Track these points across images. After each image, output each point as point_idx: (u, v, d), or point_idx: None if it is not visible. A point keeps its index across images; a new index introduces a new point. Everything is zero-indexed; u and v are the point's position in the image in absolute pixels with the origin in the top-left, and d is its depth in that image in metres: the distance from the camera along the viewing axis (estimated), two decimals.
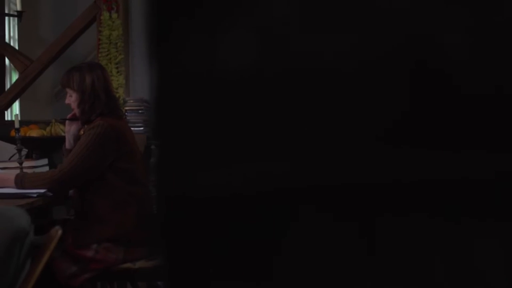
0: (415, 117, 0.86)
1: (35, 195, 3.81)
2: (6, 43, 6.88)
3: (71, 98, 3.99)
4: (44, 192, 3.85)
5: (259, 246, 0.80)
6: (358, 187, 0.84)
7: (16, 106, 7.86)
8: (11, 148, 4.97)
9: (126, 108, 5.58)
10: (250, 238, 0.81)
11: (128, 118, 5.17)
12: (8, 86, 6.82)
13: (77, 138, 4.05)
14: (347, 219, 0.84)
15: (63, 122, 4.64)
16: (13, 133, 4.67)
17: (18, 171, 4.33)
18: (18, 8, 5.92)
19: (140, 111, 5.72)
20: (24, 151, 4.73)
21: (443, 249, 0.87)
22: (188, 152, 0.81)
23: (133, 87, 6.17)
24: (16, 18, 7.05)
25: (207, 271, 0.82)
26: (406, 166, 0.85)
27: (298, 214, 0.81)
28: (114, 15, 6.01)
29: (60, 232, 2.47)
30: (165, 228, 0.82)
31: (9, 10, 7.32)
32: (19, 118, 4.60)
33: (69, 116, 4.10)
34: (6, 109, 6.70)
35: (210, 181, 0.80)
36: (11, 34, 8.18)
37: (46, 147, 4.88)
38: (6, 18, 7.19)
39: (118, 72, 5.89)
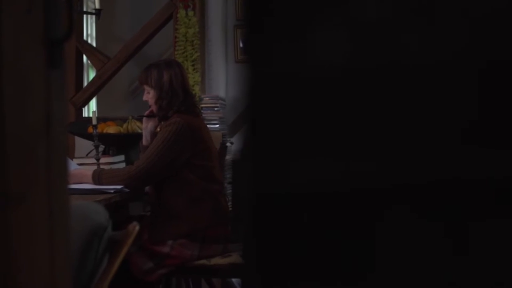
0: (498, 116, 0.84)
1: (112, 191, 3.85)
2: (84, 40, 6.97)
3: (149, 95, 4.02)
4: (121, 188, 3.89)
5: (349, 245, 0.79)
6: (447, 186, 0.83)
7: (93, 103, 7.97)
8: (88, 145, 5.04)
9: (202, 105, 5.61)
10: (340, 236, 0.80)
11: (203, 115, 5.19)
12: (85, 83, 6.91)
13: (154, 134, 4.08)
14: (436, 218, 0.82)
15: (139, 119, 4.68)
16: (90, 129, 4.73)
17: (95, 167, 4.39)
18: (97, 6, 6.00)
19: (215, 109, 5.75)
20: (101, 148, 4.79)
21: None
22: (281, 150, 0.80)
23: (209, 84, 6.20)
24: (93, 16, 7.15)
25: (297, 269, 0.81)
26: (492, 165, 0.83)
27: (387, 213, 0.79)
28: (191, 13, 6.04)
29: (137, 228, 2.49)
30: (256, 225, 0.81)
31: (87, 8, 7.42)
32: (96, 115, 4.66)
33: (146, 113, 4.12)
34: (84, 106, 6.80)
35: (302, 179, 0.79)
36: (89, 32, 8.29)
37: (122, 143, 4.93)
38: (84, 16, 7.29)
39: (194, 69, 5.92)
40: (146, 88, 4.02)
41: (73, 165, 4.36)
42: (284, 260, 0.82)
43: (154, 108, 4.03)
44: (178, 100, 3.95)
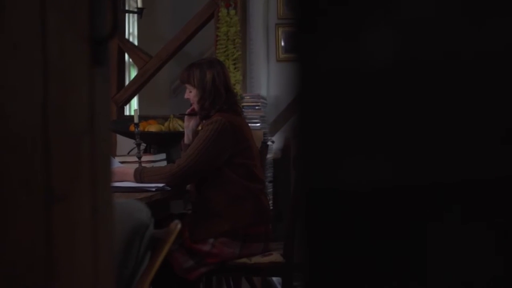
0: None
1: (153, 189, 3.86)
2: (126, 39, 7.01)
3: (191, 94, 4.02)
4: (163, 186, 3.90)
5: (399, 245, 0.78)
6: (497, 184, 0.82)
7: (134, 102, 8.02)
8: (130, 143, 5.06)
9: (243, 104, 5.61)
10: (392, 235, 0.79)
11: (244, 114, 5.19)
12: (127, 81, 6.95)
13: (196, 133, 4.08)
14: (487, 217, 0.81)
15: (181, 117, 4.69)
16: (132, 127, 4.74)
17: (136, 165, 4.40)
18: (139, 5, 6.03)
19: (256, 107, 5.75)
20: (143, 146, 4.80)
21: None
22: (331, 146, 0.79)
23: (250, 83, 6.20)
24: (135, 15, 7.19)
25: (350, 268, 0.80)
26: None
27: (438, 212, 0.79)
28: (232, 12, 6.05)
29: (179, 226, 2.49)
30: (307, 222, 0.81)
31: (129, 7, 7.47)
32: (138, 113, 4.67)
33: (188, 111, 4.13)
34: (125, 104, 6.83)
35: (354, 175, 0.79)
36: (131, 31, 8.35)
37: (164, 142, 4.94)
38: (126, 14, 7.33)
39: (235, 68, 5.93)
40: (188, 87, 4.02)
41: (116, 163, 4.38)
42: (333, 258, 0.81)
43: (196, 107, 4.03)
44: (221, 99, 3.94)
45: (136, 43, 8.04)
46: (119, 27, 6.64)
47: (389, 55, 0.78)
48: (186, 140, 4.14)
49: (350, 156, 0.79)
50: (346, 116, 0.78)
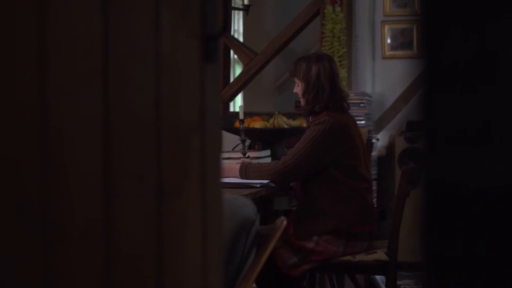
0: None
1: (258, 186, 3.87)
2: (232, 36, 7.06)
3: (298, 88, 4.01)
4: (267, 182, 3.90)
5: None
6: None
7: (239, 98, 8.07)
8: (234, 139, 5.09)
9: (348, 101, 5.60)
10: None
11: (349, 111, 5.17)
12: (232, 78, 7.00)
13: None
14: None
15: (286, 114, 4.69)
16: (237, 124, 4.77)
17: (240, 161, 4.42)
18: (245, 2, 6.06)
19: (361, 105, 5.72)
20: (248, 142, 4.82)
21: None
22: (462, 142, 0.78)
23: (355, 80, 6.18)
24: (240, 12, 7.23)
25: (470, 267, 0.79)
26: None
27: None
28: (338, 9, 6.03)
29: (285, 222, 2.49)
30: (434, 218, 0.79)
31: (234, 3, 7.51)
32: (243, 110, 4.69)
33: None
34: (230, 101, 6.88)
35: (485, 171, 0.77)
36: (236, 27, 8.40)
37: (268, 138, 4.94)
38: (232, 11, 7.38)
39: (340, 65, 5.90)
40: (296, 80, 4.01)
41: None
42: (456, 258, 0.80)
43: (301, 101, 4.02)
44: (325, 95, 3.92)
45: (241, 39, 8.09)
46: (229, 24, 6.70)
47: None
48: None
49: (475, 153, 0.77)
50: (475, 110, 0.77)
